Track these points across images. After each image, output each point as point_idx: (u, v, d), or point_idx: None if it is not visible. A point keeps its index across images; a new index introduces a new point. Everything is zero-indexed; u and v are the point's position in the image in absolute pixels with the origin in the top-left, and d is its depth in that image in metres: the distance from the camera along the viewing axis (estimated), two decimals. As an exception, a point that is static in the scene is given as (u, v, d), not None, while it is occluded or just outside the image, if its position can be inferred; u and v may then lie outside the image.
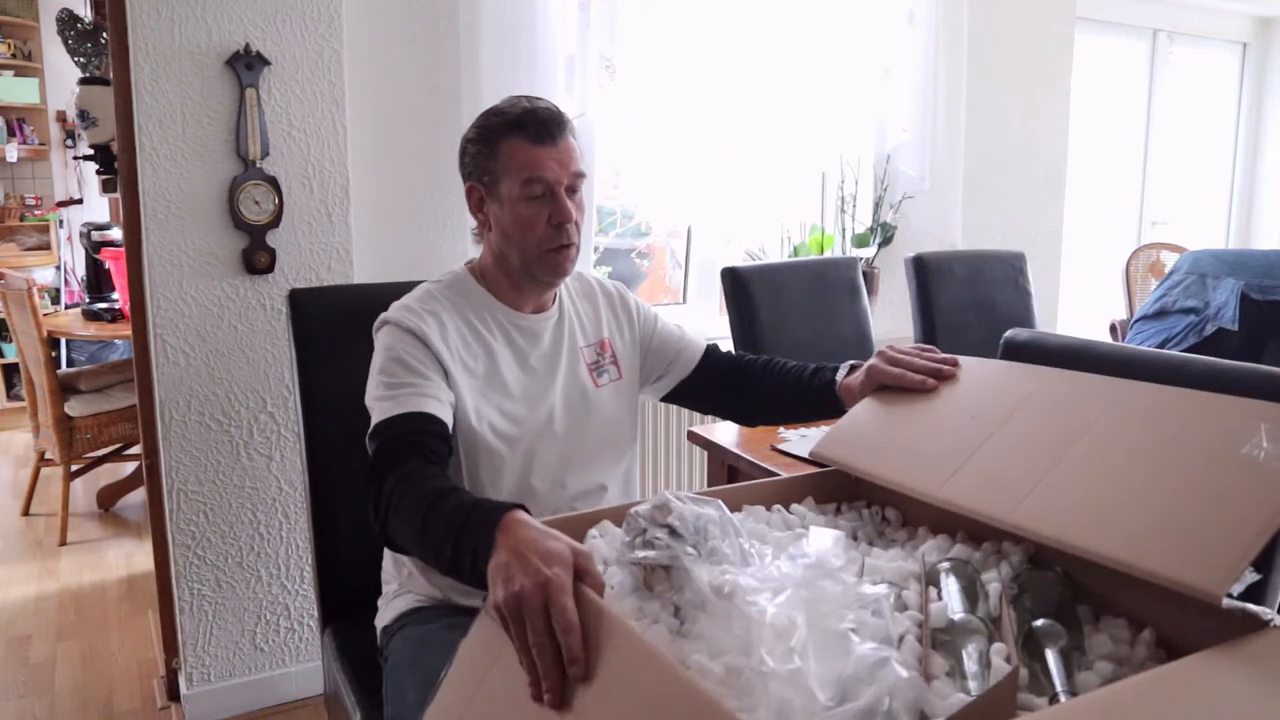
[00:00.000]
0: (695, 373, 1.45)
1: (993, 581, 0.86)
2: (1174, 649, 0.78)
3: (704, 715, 0.61)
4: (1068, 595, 0.83)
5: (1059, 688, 0.70)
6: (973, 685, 0.69)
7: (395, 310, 1.24)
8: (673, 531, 0.84)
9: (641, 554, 0.83)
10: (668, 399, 1.49)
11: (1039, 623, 0.78)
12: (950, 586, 0.83)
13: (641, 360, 1.43)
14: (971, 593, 0.82)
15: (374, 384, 1.19)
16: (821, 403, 1.32)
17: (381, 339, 1.23)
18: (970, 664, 0.72)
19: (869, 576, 0.88)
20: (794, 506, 1.08)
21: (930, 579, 0.86)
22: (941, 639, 0.76)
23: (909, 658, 0.73)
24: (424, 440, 1.10)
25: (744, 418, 1.52)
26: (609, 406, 1.36)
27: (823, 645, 0.68)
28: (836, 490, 1.12)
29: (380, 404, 1.15)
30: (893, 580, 0.87)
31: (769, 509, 1.05)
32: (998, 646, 0.74)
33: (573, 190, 1.25)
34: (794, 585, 0.75)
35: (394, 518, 1.01)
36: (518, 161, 1.22)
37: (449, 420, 1.17)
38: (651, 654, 0.68)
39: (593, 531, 0.97)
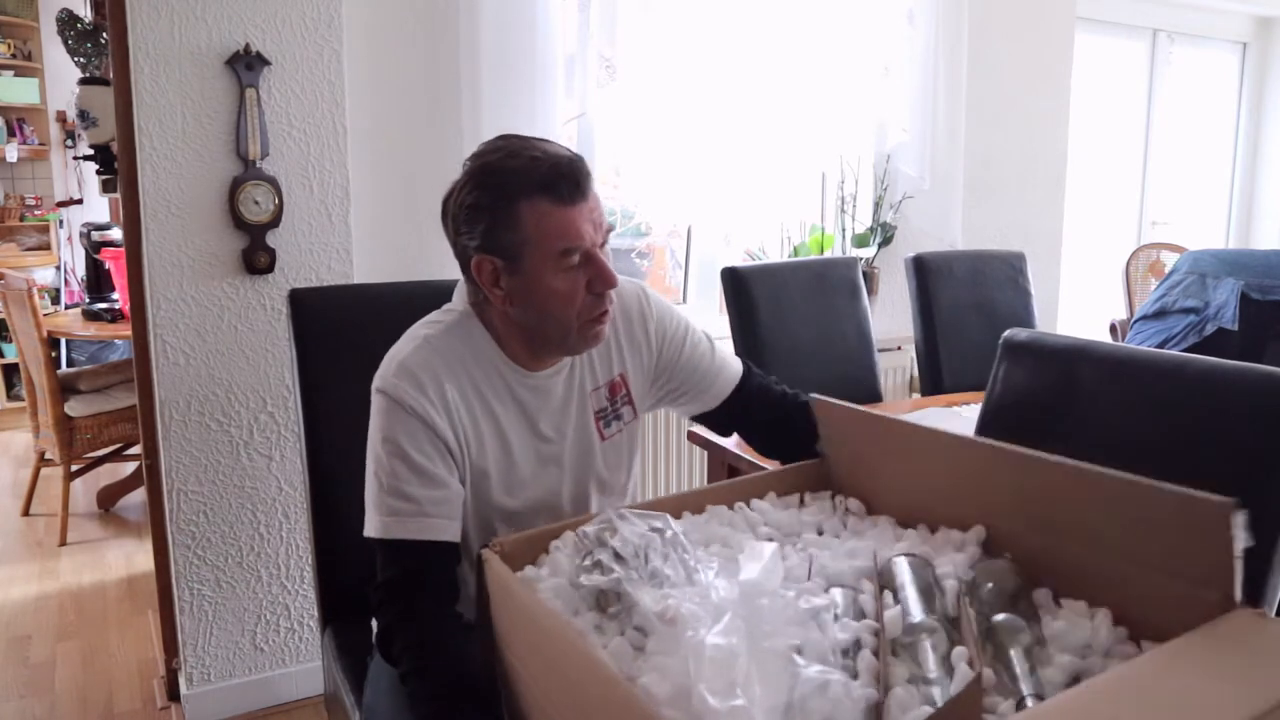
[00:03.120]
0: (723, 406, 1.30)
1: (949, 578, 0.86)
2: (1135, 627, 0.79)
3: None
4: (1023, 582, 0.83)
5: (1025, 691, 0.69)
6: (935, 691, 0.69)
7: (394, 377, 1.09)
8: (617, 554, 0.84)
9: (586, 579, 0.84)
10: (695, 419, 1.36)
11: (999, 618, 0.77)
12: (907, 588, 0.83)
13: (651, 384, 1.28)
14: (928, 592, 0.82)
15: (377, 476, 1.09)
16: None
17: (381, 415, 1.09)
18: (931, 669, 0.71)
19: (817, 579, 0.88)
20: (755, 503, 1.08)
21: (884, 580, 0.86)
22: (903, 643, 0.76)
23: (865, 668, 0.73)
24: (434, 579, 1.06)
25: (772, 454, 1.37)
26: (614, 456, 1.24)
27: (766, 672, 0.68)
28: (800, 482, 1.12)
29: (384, 518, 1.07)
30: (847, 583, 0.87)
31: (731, 508, 1.05)
32: (959, 650, 0.73)
33: (601, 245, 1.09)
34: (732, 608, 0.75)
35: (406, 682, 1.02)
36: (547, 229, 1.03)
37: (458, 536, 1.09)
38: (614, 681, 0.69)
39: (555, 544, 0.97)
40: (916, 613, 0.79)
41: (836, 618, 0.80)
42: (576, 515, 1.20)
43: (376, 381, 1.11)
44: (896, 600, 0.82)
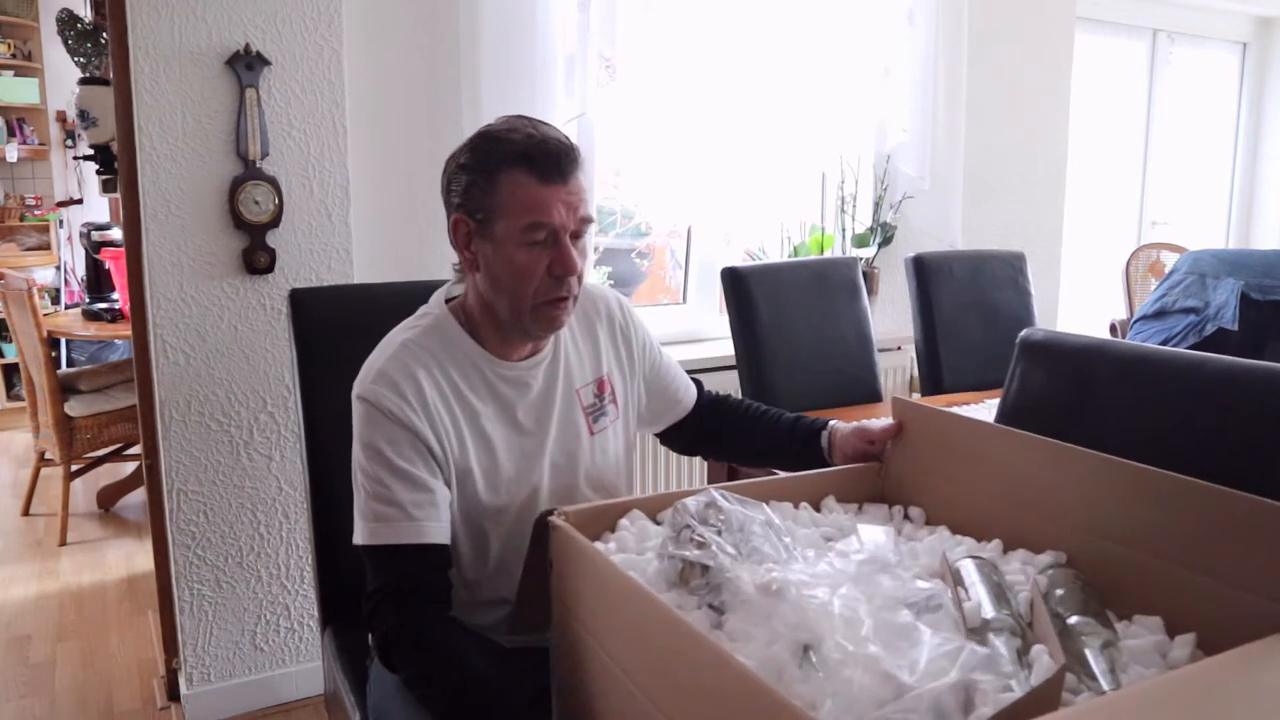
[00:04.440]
0: (687, 418, 1.40)
1: (1020, 584, 0.85)
2: (1201, 636, 0.77)
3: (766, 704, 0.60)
4: (1094, 594, 0.83)
5: (1106, 688, 0.69)
6: (1013, 684, 0.68)
7: (373, 384, 1.10)
8: (718, 531, 0.85)
9: (682, 552, 0.84)
10: (659, 437, 1.44)
11: (1074, 620, 0.77)
12: (977, 586, 0.83)
13: (641, 397, 1.34)
14: (998, 592, 0.82)
15: (363, 482, 1.10)
16: (808, 453, 1.28)
17: (362, 423, 1.10)
18: (1007, 663, 0.71)
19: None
20: (819, 503, 1.09)
21: (954, 578, 0.86)
22: (973, 639, 0.76)
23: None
24: (426, 582, 1.06)
25: (720, 457, 1.52)
26: (605, 454, 1.26)
27: (891, 635, 0.69)
28: (858, 490, 1.12)
29: (371, 524, 1.07)
30: (919, 576, 0.87)
31: (796, 506, 1.06)
32: (1037, 647, 0.73)
33: (577, 236, 1.10)
34: (850, 581, 0.75)
35: (412, 688, 1.03)
36: (520, 200, 1.06)
37: (447, 538, 1.10)
38: (706, 643, 0.68)
39: (623, 521, 0.97)
40: (989, 610, 0.78)
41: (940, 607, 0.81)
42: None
43: (356, 389, 1.12)
44: (968, 598, 0.82)
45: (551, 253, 1.08)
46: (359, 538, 1.09)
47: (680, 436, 1.42)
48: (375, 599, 1.07)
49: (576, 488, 1.23)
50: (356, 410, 1.12)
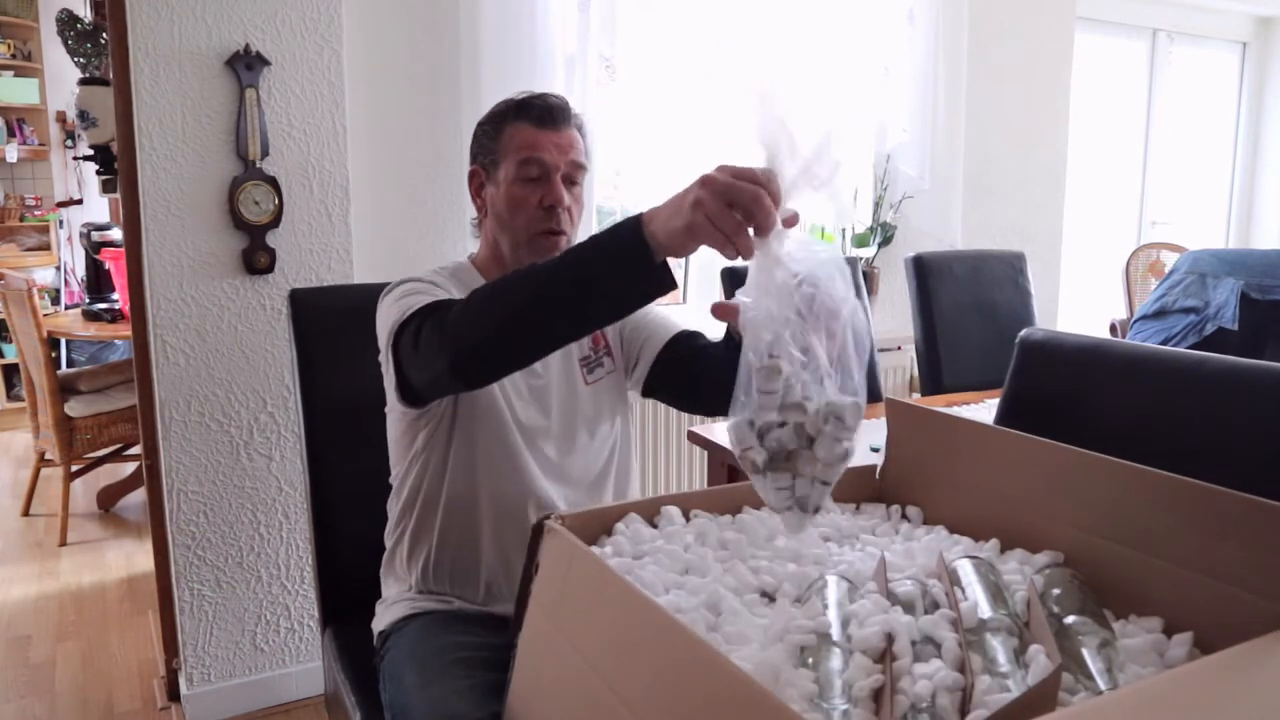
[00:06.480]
0: (660, 356, 1.32)
1: (1017, 584, 0.85)
2: (1200, 637, 0.77)
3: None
4: (1091, 593, 0.83)
5: (1104, 687, 0.69)
6: (1009, 683, 0.68)
7: (410, 278, 1.24)
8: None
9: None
10: (646, 393, 1.36)
11: (1070, 619, 0.77)
12: (974, 586, 0.83)
13: (620, 346, 1.37)
14: (995, 592, 0.82)
15: (398, 304, 1.16)
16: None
17: (400, 290, 1.21)
18: (1003, 663, 0.71)
19: (890, 573, 0.88)
20: None
21: (951, 578, 0.86)
22: (970, 639, 0.76)
23: (948, 657, 0.73)
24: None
25: (706, 407, 1.36)
26: (596, 403, 1.33)
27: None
28: (856, 490, 1.12)
29: (413, 299, 1.14)
30: (916, 579, 0.87)
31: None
32: (1035, 647, 0.73)
33: (571, 181, 1.25)
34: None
35: (474, 312, 1.03)
36: (518, 142, 1.23)
37: None
38: (690, 636, 0.67)
39: (619, 525, 0.97)
40: (985, 610, 0.78)
41: (936, 606, 0.81)
42: (566, 448, 1.29)
43: (392, 284, 1.24)
44: (965, 598, 0.82)
45: (542, 189, 1.23)
46: (399, 334, 1.13)
47: (667, 384, 1.33)
48: (421, 319, 1.09)
49: (576, 430, 1.30)
50: (394, 292, 1.21)
